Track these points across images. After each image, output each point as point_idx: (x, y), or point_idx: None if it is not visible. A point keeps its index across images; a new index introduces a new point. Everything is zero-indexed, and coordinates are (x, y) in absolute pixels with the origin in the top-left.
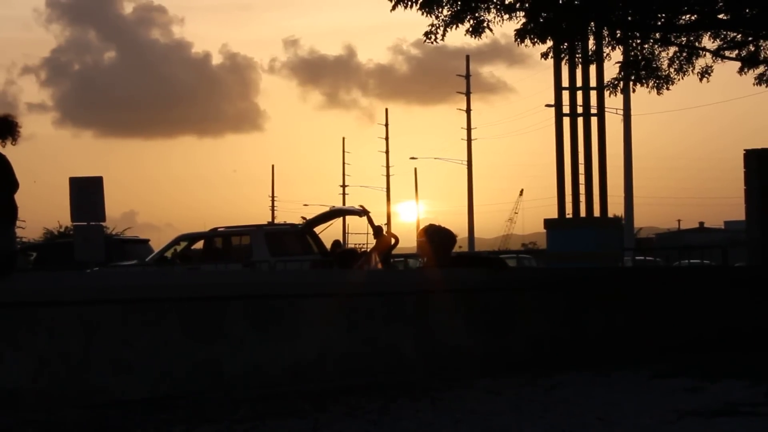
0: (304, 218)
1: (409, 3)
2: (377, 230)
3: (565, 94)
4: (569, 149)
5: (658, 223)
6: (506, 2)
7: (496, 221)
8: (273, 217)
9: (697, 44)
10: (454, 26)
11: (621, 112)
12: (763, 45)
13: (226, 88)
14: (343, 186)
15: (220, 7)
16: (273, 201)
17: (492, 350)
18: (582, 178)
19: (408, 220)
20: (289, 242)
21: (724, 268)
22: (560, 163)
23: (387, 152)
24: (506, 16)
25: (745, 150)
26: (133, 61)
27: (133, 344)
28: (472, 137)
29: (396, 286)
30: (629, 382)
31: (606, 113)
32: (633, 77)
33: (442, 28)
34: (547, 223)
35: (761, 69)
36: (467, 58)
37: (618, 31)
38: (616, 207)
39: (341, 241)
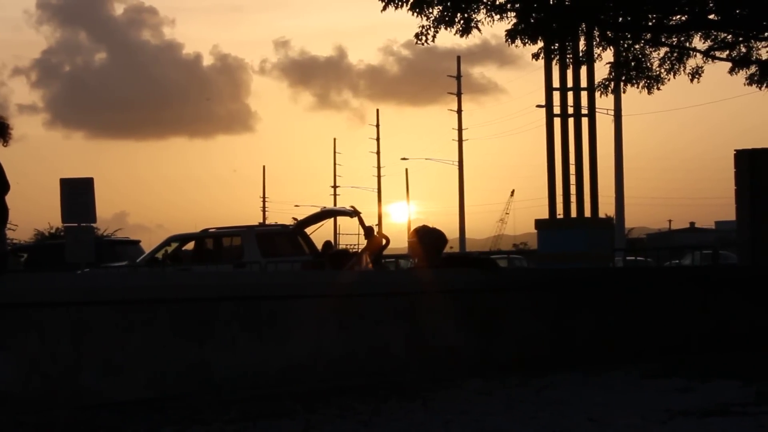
0: (295, 219)
1: (400, 3)
2: (368, 231)
3: (556, 95)
4: (560, 150)
5: (649, 223)
6: (497, 2)
7: (488, 222)
8: (264, 218)
9: (687, 45)
10: (444, 27)
11: (612, 112)
12: (754, 45)
13: (218, 89)
14: (334, 187)
15: (211, 8)
16: (264, 202)
17: (483, 351)
18: (573, 179)
19: (399, 220)
20: (280, 243)
21: (716, 267)
22: (551, 164)
23: (378, 153)
24: (497, 17)
25: (735, 150)
26: (124, 63)
27: (124, 346)
28: (464, 138)
29: (387, 287)
30: (620, 382)
31: (597, 114)
32: (624, 78)
33: (432, 30)
34: (538, 223)
35: (752, 69)
36: (458, 59)
37: (609, 32)
38: (607, 207)
39: (332, 241)
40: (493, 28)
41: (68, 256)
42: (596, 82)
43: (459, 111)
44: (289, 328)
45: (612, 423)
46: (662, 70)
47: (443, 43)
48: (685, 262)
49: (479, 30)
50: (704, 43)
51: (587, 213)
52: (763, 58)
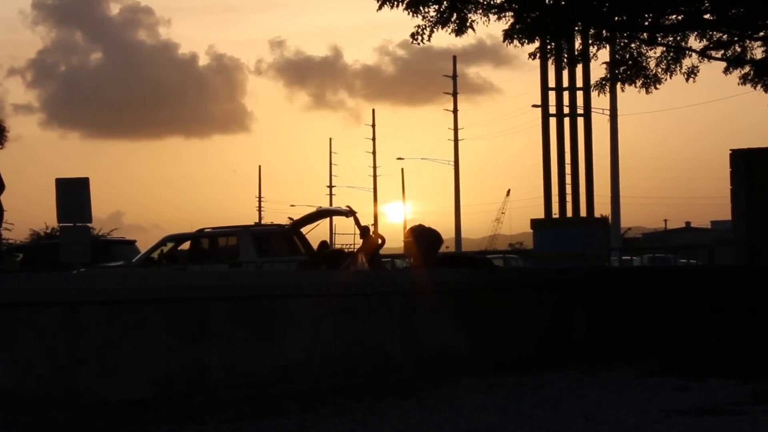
0: (291, 219)
1: (396, 2)
2: (364, 230)
3: (552, 95)
4: (556, 149)
5: (645, 222)
6: (493, 2)
7: (483, 221)
8: (260, 218)
9: (683, 44)
10: (440, 27)
11: (607, 112)
12: (749, 45)
13: (213, 89)
14: (330, 186)
15: (207, 8)
16: (260, 202)
17: (478, 350)
18: (568, 178)
19: (395, 220)
20: (275, 243)
21: (711, 267)
22: (547, 164)
23: (374, 153)
24: (493, 17)
25: (731, 150)
26: (119, 63)
27: (119, 345)
28: (459, 138)
29: (383, 286)
30: (616, 381)
31: (593, 113)
32: (620, 77)
33: (428, 29)
34: (534, 223)
35: (746, 69)
36: (454, 58)
37: (605, 31)
38: (602, 207)
39: (328, 241)
40: (488, 28)
41: (64, 256)
42: (592, 81)
43: (455, 111)
44: (284, 328)
45: (607, 422)
46: (659, 70)
47: (439, 43)
48: (681, 261)
49: (474, 30)
50: (700, 42)
51: (583, 213)
52: (758, 58)
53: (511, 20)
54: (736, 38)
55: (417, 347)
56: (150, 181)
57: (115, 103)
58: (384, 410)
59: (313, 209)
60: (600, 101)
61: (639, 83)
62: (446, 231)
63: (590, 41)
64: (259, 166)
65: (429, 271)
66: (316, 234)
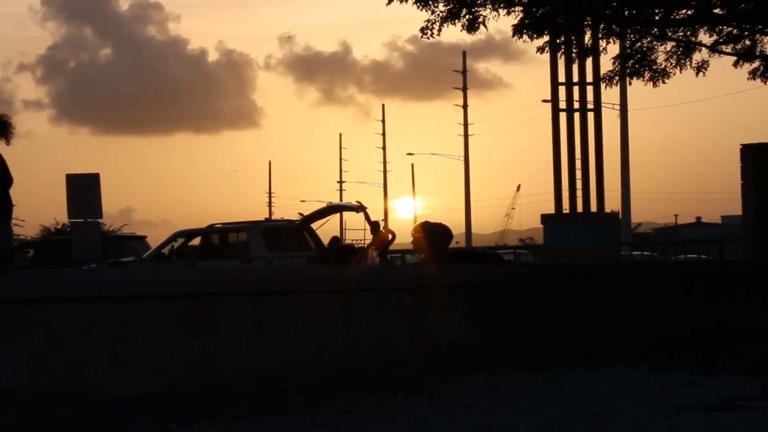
0: (301, 214)
1: None
2: (374, 226)
3: (562, 90)
4: (566, 144)
5: (655, 218)
6: None
7: (494, 217)
8: (270, 214)
9: (693, 39)
10: (450, 22)
11: (617, 107)
12: (759, 39)
13: (223, 84)
14: (341, 182)
15: (216, 3)
16: (270, 197)
17: (488, 345)
18: (579, 174)
19: (405, 215)
20: (286, 238)
21: (722, 262)
22: (557, 159)
23: (384, 148)
24: (503, 12)
25: (741, 145)
26: (129, 58)
27: (130, 341)
28: (469, 133)
29: (393, 282)
30: (626, 376)
31: (602, 108)
32: (629, 71)
33: (437, 24)
34: (544, 218)
35: (756, 63)
36: (463, 54)
37: (614, 26)
38: (612, 202)
39: (339, 237)
40: (498, 23)
41: (74, 252)
42: (602, 74)
43: (465, 106)
44: (294, 323)
45: (617, 417)
46: (668, 64)
47: (448, 39)
48: (691, 257)
49: (485, 27)
50: (710, 37)
51: (593, 208)
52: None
53: (521, 15)
54: (746, 33)
55: (427, 343)
56: (160, 177)
57: (124, 99)
58: (394, 406)
59: (324, 205)
60: (610, 96)
61: (647, 76)
62: (456, 226)
63: (600, 36)
64: (270, 162)
65: (439, 266)
66: (326, 229)
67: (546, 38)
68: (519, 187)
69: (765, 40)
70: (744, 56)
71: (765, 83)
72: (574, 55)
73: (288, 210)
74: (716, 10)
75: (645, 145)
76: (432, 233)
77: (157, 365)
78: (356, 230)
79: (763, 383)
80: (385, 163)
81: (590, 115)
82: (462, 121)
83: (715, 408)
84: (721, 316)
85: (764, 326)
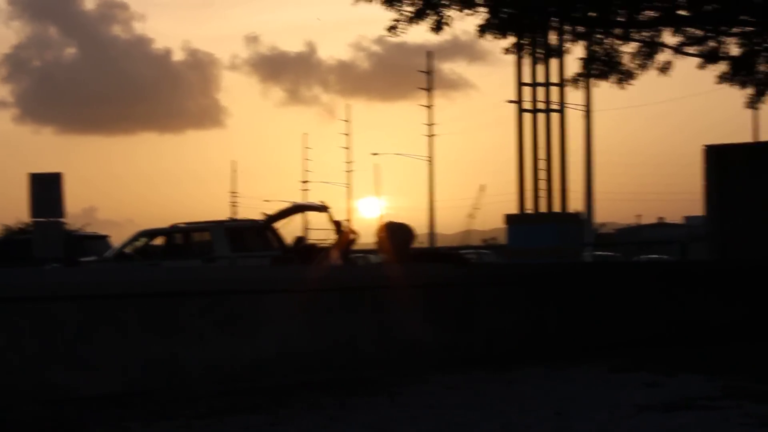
0: (265, 214)
1: None
2: (338, 226)
3: (527, 90)
4: (530, 145)
5: (618, 218)
6: None
7: (457, 217)
8: (234, 213)
9: (657, 40)
10: (417, 21)
11: (582, 107)
12: (723, 41)
13: (188, 84)
14: (305, 182)
15: (182, 3)
16: (234, 197)
17: (451, 345)
18: (542, 174)
19: (369, 216)
20: (249, 238)
21: (684, 262)
22: (521, 159)
23: (348, 148)
24: (468, 12)
25: (704, 146)
26: (94, 58)
27: (91, 341)
28: (434, 133)
29: (356, 281)
30: (587, 376)
31: (567, 109)
32: (595, 72)
33: (404, 24)
34: (508, 218)
35: (723, 67)
36: (429, 54)
37: (579, 27)
38: (576, 202)
39: (302, 236)
40: (463, 24)
41: (36, 251)
42: (567, 76)
43: (429, 106)
44: (257, 323)
45: (578, 417)
46: (633, 65)
47: (413, 39)
48: (653, 257)
49: (450, 26)
50: (674, 38)
51: (557, 208)
52: (733, 54)
53: (486, 15)
54: (711, 34)
55: (390, 342)
56: (124, 177)
57: (89, 99)
58: (356, 405)
59: (288, 204)
60: (574, 97)
61: (613, 79)
62: (420, 226)
63: (565, 37)
64: (234, 162)
65: (402, 266)
66: (290, 229)
67: (511, 39)
68: (483, 187)
69: (730, 42)
70: (708, 58)
71: (732, 85)
72: (539, 55)
73: (252, 210)
74: (681, 12)
75: (608, 145)
76: (395, 233)
77: (119, 365)
78: (320, 230)
79: (723, 383)
80: (349, 162)
81: (555, 116)
82: (427, 122)
83: (675, 408)
84: (683, 316)
85: (726, 324)
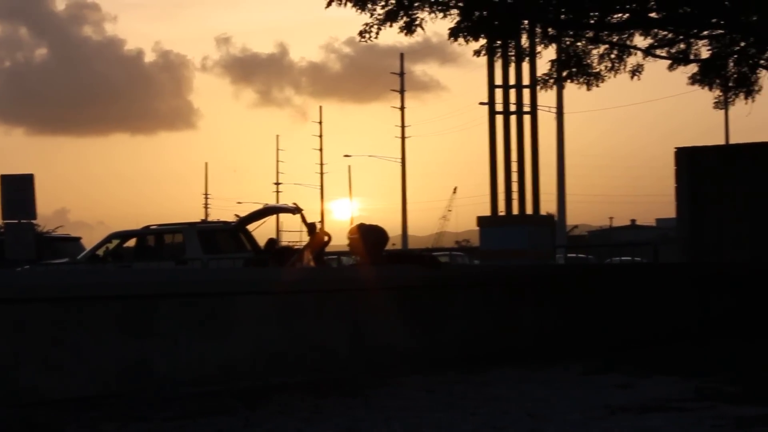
0: (237, 216)
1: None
2: (310, 228)
3: (499, 92)
4: (502, 147)
5: (591, 220)
6: (440, 0)
7: (430, 219)
8: (206, 215)
9: (628, 42)
10: (388, 24)
11: (554, 110)
12: (694, 43)
13: (160, 85)
14: (277, 183)
15: (153, 4)
16: (206, 199)
17: (425, 347)
18: (515, 176)
19: (342, 217)
20: (222, 240)
21: (656, 264)
22: (493, 161)
23: (321, 150)
24: (440, 15)
25: (675, 148)
26: (65, 59)
27: (64, 343)
28: (406, 135)
29: (329, 283)
30: (561, 378)
31: (539, 111)
32: (565, 74)
33: (376, 27)
34: (480, 220)
35: (694, 68)
36: (401, 55)
37: (550, 29)
38: (548, 204)
39: (275, 238)
40: (435, 26)
41: (8, 253)
42: (538, 77)
43: (402, 108)
44: (230, 325)
45: (552, 419)
46: (602, 68)
47: (385, 41)
48: (625, 259)
49: (423, 29)
50: (645, 40)
51: (529, 210)
52: (703, 57)
53: (457, 18)
54: (681, 37)
55: (363, 344)
56: (96, 178)
57: (60, 100)
58: (329, 407)
59: (260, 206)
60: (546, 99)
61: (581, 80)
62: (393, 228)
63: (537, 39)
64: (206, 163)
65: (375, 268)
66: (262, 231)
67: (483, 41)
68: (455, 189)
69: (700, 44)
70: (679, 60)
71: (703, 88)
72: (510, 58)
73: (224, 212)
74: (652, 14)
75: (580, 147)
76: (368, 235)
77: (92, 367)
78: (292, 232)
79: (696, 385)
80: (322, 164)
81: (526, 118)
82: (399, 123)
83: (648, 409)
84: (656, 317)
85: (699, 327)
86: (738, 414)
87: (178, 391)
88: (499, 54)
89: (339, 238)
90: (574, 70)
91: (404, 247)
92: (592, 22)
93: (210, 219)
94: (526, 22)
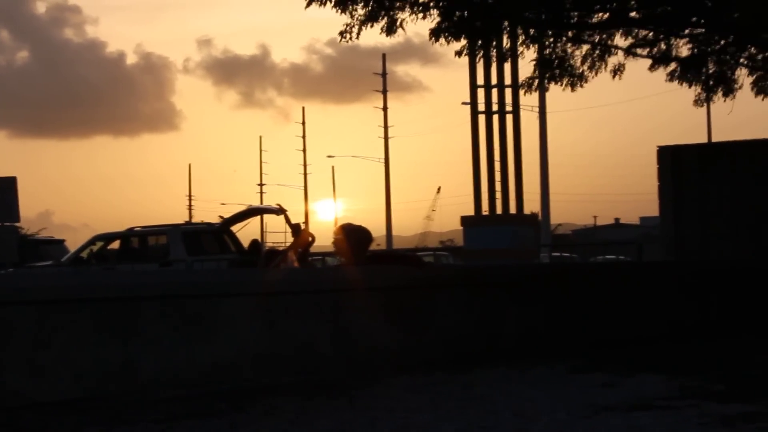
0: (221, 217)
1: (324, 0)
2: (295, 228)
3: (481, 92)
4: (485, 146)
5: (574, 219)
6: (420, 0)
7: (414, 219)
8: (190, 217)
9: (609, 42)
10: (369, 25)
11: (536, 109)
12: (674, 42)
13: (142, 87)
14: (261, 185)
15: (135, 6)
16: (190, 200)
17: (410, 348)
18: (498, 176)
19: (326, 218)
20: (206, 241)
21: (641, 263)
22: (476, 161)
23: (304, 151)
24: (420, 15)
25: (658, 146)
26: (47, 61)
27: (48, 346)
28: (389, 135)
29: (313, 284)
30: (546, 378)
31: (521, 111)
32: (547, 75)
33: (356, 27)
34: (464, 220)
35: (673, 66)
36: (383, 56)
37: (532, 30)
38: (532, 204)
39: (259, 239)
40: (416, 26)
41: None
42: (520, 79)
43: (384, 108)
44: (215, 327)
45: (538, 418)
46: (585, 68)
47: (367, 42)
48: (609, 257)
49: (404, 29)
50: (626, 40)
51: (512, 210)
52: (683, 55)
53: (438, 18)
54: (661, 36)
55: (348, 345)
56: (79, 180)
57: (43, 102)
58: (315, 409)
59: (244, 207)
60: (529, 98)
61: (565, 81)
62: (377, 229)
63: (518, 40)
64: (189, 165)
65: (360, 268)
66: (246, 232)
67: (464, 42)
68: (439, 189)
69: (680, 43)
70: (659, 59)
71: (682, 85)
72: (492, 58)
73: (208, 213)
74: (632, 14)
75: (563, 146)
76: (352, 235)
77: (77, 370)
78: (277, 233)
79: (681, 383)
80: (305, 165)
81: (509, 118)
82: (382, 124)
83: (633, 408)
84: (641, 316)
85: (682, 323)
86: (723, 412)
87: (163, 393)
88: (480, 54)
89: (323, 238)
90: (557, 71)
91: (389, 247)
92: (572, 22)
93: (194, 220)
94: (506, 22)
